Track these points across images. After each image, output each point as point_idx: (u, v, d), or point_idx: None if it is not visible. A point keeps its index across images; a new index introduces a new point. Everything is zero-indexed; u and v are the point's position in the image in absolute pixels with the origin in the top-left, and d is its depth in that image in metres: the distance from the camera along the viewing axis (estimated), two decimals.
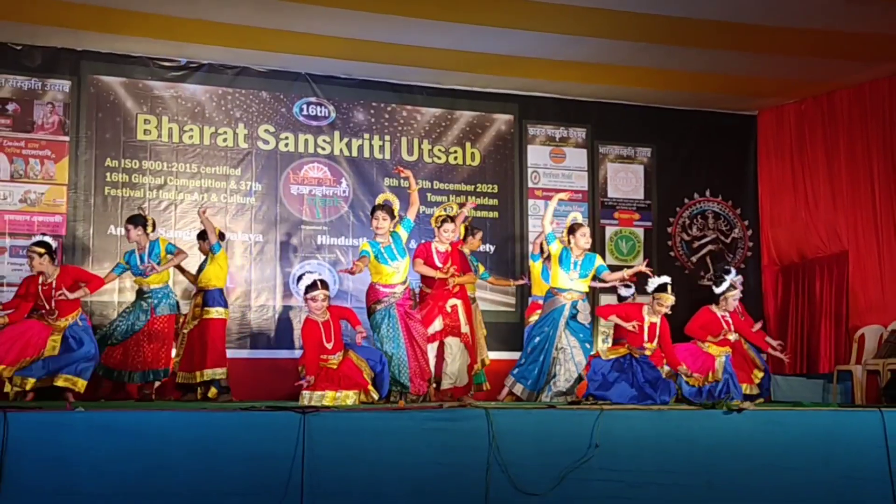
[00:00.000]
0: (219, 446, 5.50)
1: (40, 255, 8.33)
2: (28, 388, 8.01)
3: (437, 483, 5.84)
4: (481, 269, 9.98)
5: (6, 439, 5.13)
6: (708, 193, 12.24)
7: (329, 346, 7.74)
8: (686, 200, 12.14)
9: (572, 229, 8.52)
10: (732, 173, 12.33)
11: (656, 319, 8.36)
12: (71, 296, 8.24)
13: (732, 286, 9.08)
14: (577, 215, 8.93)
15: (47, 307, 8.26)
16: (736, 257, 12.21)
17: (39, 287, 8.28)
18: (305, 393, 7.52)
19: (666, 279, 8.52)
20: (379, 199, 8.79)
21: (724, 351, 8.94)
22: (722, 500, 6.42)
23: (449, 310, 8.69)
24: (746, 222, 12.31)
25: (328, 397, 7.49)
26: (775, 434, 6.77)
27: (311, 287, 7.86)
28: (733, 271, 9.37)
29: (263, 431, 5.63)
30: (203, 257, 9.32)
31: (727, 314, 9.06)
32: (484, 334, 9.73)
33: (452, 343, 8.71)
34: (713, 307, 9.08)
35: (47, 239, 8.56)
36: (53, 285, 8.25)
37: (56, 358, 8.14)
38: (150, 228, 8.94)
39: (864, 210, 10.98)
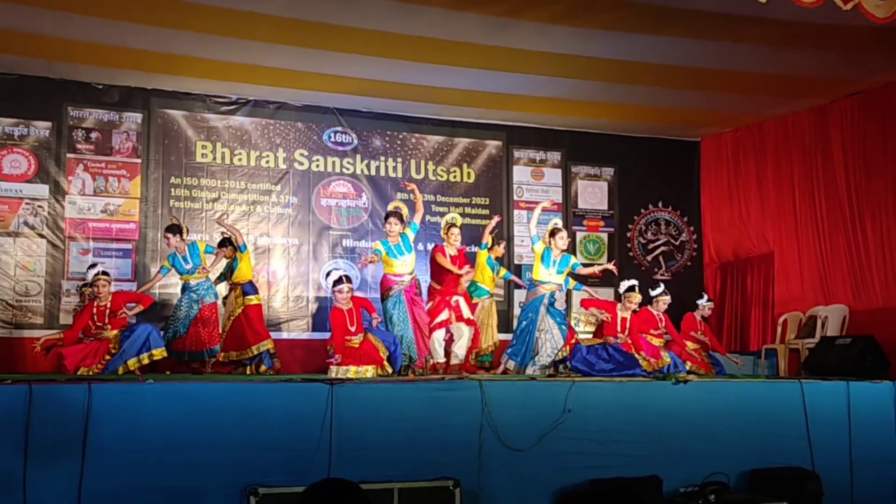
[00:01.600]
0: (263, 410, 5.51)
1: (110, 282, 8.15)
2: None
3: (438, 441, 5.85)
4: (502, 271, 9.91)
5: (90, 407, 5.15)
6: (660, 204, 12.24)
7: (352, 328, 7.74)
8: (642, 210, 12.14)
9: (553, 232, 8.50)
10: (680, 188, 12.31)
11: (627, 315, 8.46)
12: (131, 314, 8.12)
13: (664, 293, 9.14)
14: (558, 221, 8.91)
15: (101, 324, 7.96)
16: (684, 256, 12.21)
17: (95, 309, 7.99)
18: (333, 368, 7.52)
19: (634, 282, 8.68)
20: (390, 207, 8.80)
21: (661, 342, 8.96)
22: (671, 454, 6.43)
23: (453, 304, 8.66)
24: (692, 228, 12.30)
25: (351, 371, 7.50)
26: (714, 401, 6.78)
27: (338, 281, 7.87)
28: (662, 286, 9.36)
29: (299, 399, 5.65)
30: (224, 261, 9.02)
31: (660, 313, 9.09)
32: (496, 322, 9.67)
33: (463, 328, 8.71)
34: (649, 307, 9.10)
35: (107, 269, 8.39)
36: (108, 306, 8.02)
37: (123, 351, 7.82)
38: (185, 234, 8.80)
39: (787, 218, 10.97)
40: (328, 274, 8.24)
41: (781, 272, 10.98)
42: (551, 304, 8.44)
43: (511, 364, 8.44)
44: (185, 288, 8.77)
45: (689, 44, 8.60)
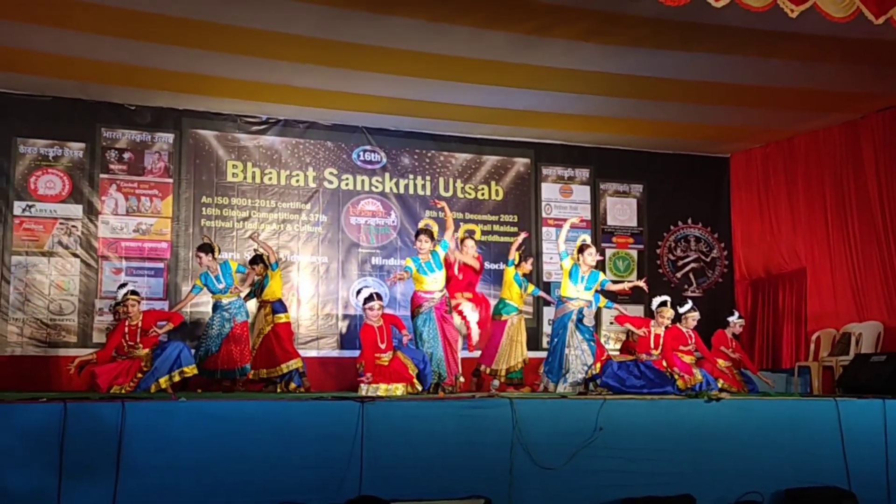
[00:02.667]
0: (295, 428, 5.51)
1: (139, 301, 8.21)
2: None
3: (469, 459, 5.82)
4: (530, 287, 9.80)
5: (124, 425, 5.17)
6: (690, 221, 12.17)
7: (382, 346, 7.75)
8: (672, 227, 12.07)
9: (581, 248, 8.43)
10: (710, 204, 12.24)
11: (661, 331, 8.39)
12: (161, 332, 8.17)
13: (693, 309, 9.04)
14: (586, 237, 8.87)
15: (132, 342, 8.01)
16: (715, 273, 12.12)
17: (126, 328, 8.04)
18: (363, 385, 7.53)
19: (666, 298, 8.62)
20: (421, 225, 8.85)
21: (692, 359, 8.88)
22: (703, 473, 6.36)
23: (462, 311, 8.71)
24: (722, 244, 12.22)
25: (381, 389, 7.49)
26: (747, 419, 6.70)
27: (369, 299, 7.88)
28: (690, 303, 9.27)
29: (330, 416, 5.64)
30: (255, 279, 9.07)
31: (689, 330, 9.01)
32: (525, 339, 9.54)
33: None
34: (678, 324, 9.02)
35: (136, 288, 8.48)
36: (139, 325, 8.06)
37: (155, 369, 7.89)
38: (217, 253, 8.79)
39: (819, 234, 10.88)
40: (359, 291, 8.24)
41: (814, 288, 10.87)
42: (580, 320, 8.39)
43: (550, 384, 8.37)
44: (217, 307, 8.77)
45: (717, 59, 8.57)
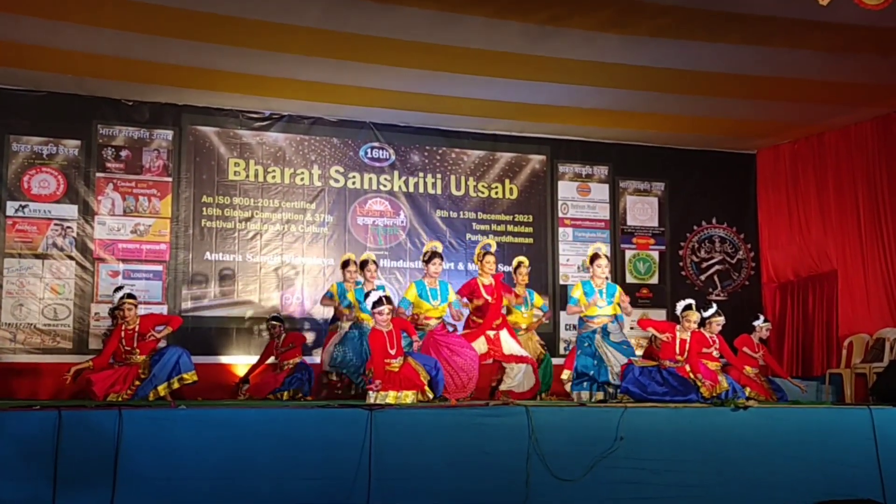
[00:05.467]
0: (300, 437, 5.50)
1: (136, 305, 8.25)
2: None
3: (483, 470, 5.80)
4: (539, 300, 9.45)
5: (121, 433, 5.18)
6: (714, 221, 12.13)
7: (392, 352, 7.72)
8: (695, 227, 12.04)
9: (593, 258, 8.28)
10: (735, 203, 12.21)
11: (686, 336, 8.33)
12: (160, 336, 8.20)
13: (717, 313, 8.97)
14: (601, 245, 8.64)
15: (129, 348, 8.05)
16: (741, 276, 12.08)
17: (123, 333, 8.09)
18: (371, 393, 7.51)
19: (691, 301, 8.54)
20: (437, 247, 8.40)
21: (717, 366, 8.83)
22: (730, 485, 6.32)
23: (492, 336, 8.39)
24: (749, 245, 12.18)
25: (391, 396, 7.46)
26: (777, 428, 6.66)
27: (378, 303, 7.84)
28: (715, 307, 9.20)
29: (337, 425, 5.63)
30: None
31: (714, 335, 8.95)
32: (539, 355, 9.24)
33: (514, 367, 8.43)
34: (701, 329, 8.96)
35: (133, 291, 8.54)
36: (137, 329, 8.11)
37: (153, 376, 7.96)
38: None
39: (851, 234, 10.83)
40: (366, 295, 8.22)
41: (845, 292, 10.81)
42: (605, 335, 8.26)
43: (583, 396, 8.19)
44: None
45: (743, 50, 8.55)
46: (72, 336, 9.65)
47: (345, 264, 9.22)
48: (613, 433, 6.09)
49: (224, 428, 5.42)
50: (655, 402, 7.49)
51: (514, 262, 9.28)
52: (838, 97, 9.91)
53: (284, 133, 10.66)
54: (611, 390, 8.10)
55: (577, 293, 8.31)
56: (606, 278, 8.33)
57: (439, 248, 8.46)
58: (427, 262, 8.26)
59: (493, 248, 8.85)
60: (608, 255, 8.53)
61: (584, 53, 8.73)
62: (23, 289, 9.57)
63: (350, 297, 8.93)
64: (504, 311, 8.67)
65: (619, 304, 8.39)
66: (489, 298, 8.43)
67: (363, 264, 8.89)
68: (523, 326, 9.10)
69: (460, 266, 10.85)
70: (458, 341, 8.08)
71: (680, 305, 8.55)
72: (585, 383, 8.23)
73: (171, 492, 5.18)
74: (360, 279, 8.94)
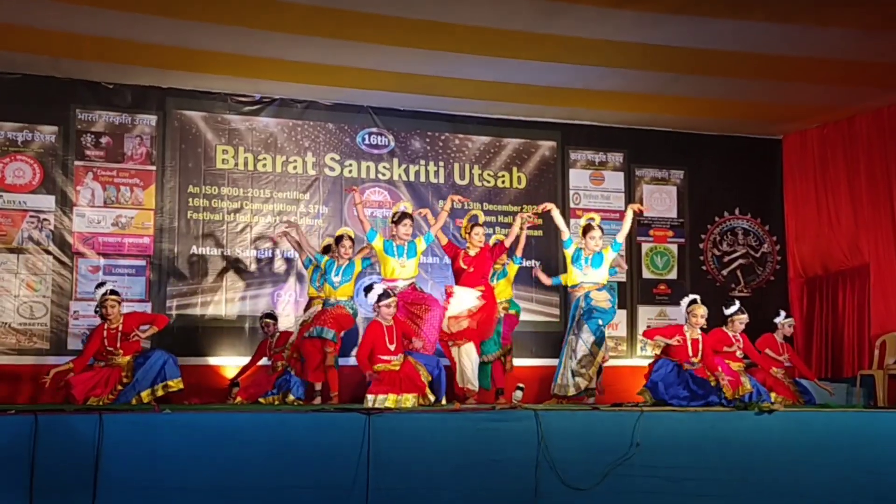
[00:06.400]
0: (292, 444, 5.53)
1: (119, 302, 8.32)
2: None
3: (489, 479, 5.82)
4: (513, 270, 9.50)
5: (101, 439, 5.19)
6: (737, 212, 12.11)
7: (391, 347, 7.75)
8: (716, 218, 12.02)
9: (586, 230, 8.55)
10: (760, 193, 12.18)
11: (697, 335, 8.32)
12: (144, 336, 8.27)
13: (741, 311, 8.99)
14: (595, 216, 8.84)
15: (112, 348, 8.11)
16: (766, 270, 12.06)
17: (105, 332, 8.15)
18: (370, 396, 7.52)
19: (695, 296, 8.54)
20: (407, 207, 8.82)
21: (740, 366, 8.83)
22: (754, 494, 6.35)
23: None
24: (774, 238, 12.16)
25: (390, 399, 7.49)
26: (804, 433, 6.68)
27: (384, 296, 7.88)
28: (738, 304, 9.20)
29: (333, 431, 5.67)
30: None
31: (737, 334, 8.95)
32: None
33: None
34: (724, 328, 8.97)
35: (116, 288, 8.59)
36: (120, 328, 8.16)
37: (136, 381, 8.00)
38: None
39: (884, 226, 10.80)
40: (369, 288, 8.19)
41: (878, 288, 10.79)
42: (588, 307, 8.33)
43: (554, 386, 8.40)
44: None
45: (769, 28, 8.53)
46: (49, 336, 9.64)
47: (339, 240, 9.23)
48: (628, 439, 6.12)
49: (211, 434, 5.45)
50: (675, 406, 7.50)
51: (492, 241, 9.29)
52: (870, 78, 9.87)
53: (276, 118, 10.64)
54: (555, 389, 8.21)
55: (570, 249, 8.57)
56: (595, 251, 8.52)
57: (409, 208, 8.61)
58: (396, 223, 8.52)
59: (482, 220, 8.95)
60: (602, 226, 8.75)
61: (597, 32, 8.70)
62: None
63: (321, 265, 9.05)
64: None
65: (610, 267, 8.69)
66: (465, 267, 8.62)
67: (338, 239, 9.00)
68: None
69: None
70: (424, 298, 8.32)
71: (684, 302, 8.52)
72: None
73: (154, 501, 5.20)
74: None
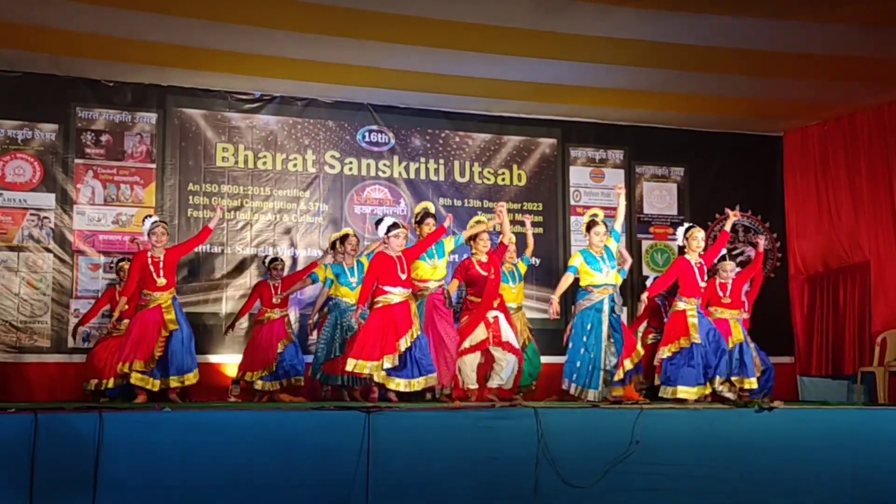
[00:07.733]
0: (292, 442, 5.51)
1: (166, 231, 8.44)
2: (150, 387, 8.04)
3: (490, 476, 5.82)
4: (523, 267, 9.57)
5: (101, 438, 5.19)
6: (738, 209, 12.07)
7: (403, 276, 7.74)
8: (717, 215, 11.99)
9: (590, 225, 8.23)
10: (760, 190, 12.18)
11: (700, 260, 8.50)
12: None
13: (723, 258, 9.07)
14: (597, 211, 8.57)
15: (157, 276, 8.16)
16: (766, 267, 12.05)
17: (150, 259, 8.18)
18: (351, 360, 7.58)
19: (690, 224, 8.83)
20: (428, 207, 8.84)
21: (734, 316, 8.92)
22: (754, 492, 6.34)
23: (491, 320, 8.37)
24: (775, 235, 12.16)
25: (401, 384, 7.54)
26: (804, 431, 6.67)
27: (394, 226, 7.88)
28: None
29: (332, 428, 5.64)
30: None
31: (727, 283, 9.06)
32: (525, 339, 9.31)
33: (505, 357, 8.33)
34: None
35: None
36: (163, 259, 8.21)
37: (164, 358, 8.11)
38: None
39: (885, 222, 10.81)
40: (379, 221, 8.12)
41: (879, 285, 10.80)
42: (611, 309, 8.10)
43: (572, 387, 8.02)
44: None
45: (770, 25, 8.54)
46: (50, 334, 9.65)
47: (343, 239, 9.26)
48: (628, 436, 6.11)
49: (212, 432, 5.44)
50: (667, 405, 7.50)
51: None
52: (871, 75, 9.88)
53: (276, 115, 10.65)
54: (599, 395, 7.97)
55: (576, 261, 8.20)
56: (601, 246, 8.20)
57: (431, 208, 8.62)
58: (419, 222, 8.53)
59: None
60: (605, 221, 8.37)
61: (598, 28, 8.71)
62: None
63: (328, 273, 9.18)
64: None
65: (620, 264, 8.60)
66: (486, 274, 8.43)
67: (344, 238, 9.18)
68: (514, 306, 9.09)
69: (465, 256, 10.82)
70: (449, 331, 8.17)
71: (680, 231, 8.73)
72: (577, 376, 8.06)
73: (154, 500, 5.20)
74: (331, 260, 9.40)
